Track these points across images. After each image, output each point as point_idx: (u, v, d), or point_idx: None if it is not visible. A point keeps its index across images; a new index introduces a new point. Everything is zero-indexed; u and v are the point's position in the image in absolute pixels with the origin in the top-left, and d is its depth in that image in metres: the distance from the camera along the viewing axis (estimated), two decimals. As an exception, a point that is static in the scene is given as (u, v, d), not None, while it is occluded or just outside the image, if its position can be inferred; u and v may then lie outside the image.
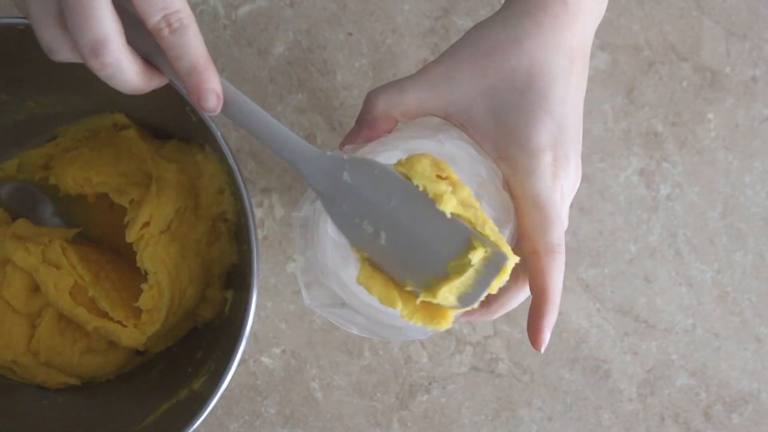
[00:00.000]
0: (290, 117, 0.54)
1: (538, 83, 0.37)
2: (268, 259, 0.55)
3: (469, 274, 0.35)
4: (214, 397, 0.42)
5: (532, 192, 0.37)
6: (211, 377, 0.44)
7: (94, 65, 0.33)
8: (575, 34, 0.38)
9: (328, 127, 0.54)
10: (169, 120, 0.49)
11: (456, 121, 0.39)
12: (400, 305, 0.37)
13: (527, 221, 0.38)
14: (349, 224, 0.37)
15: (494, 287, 0.35)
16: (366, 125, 0.40)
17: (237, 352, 0.42)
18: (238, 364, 0.55)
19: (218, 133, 0.41)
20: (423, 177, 0.36)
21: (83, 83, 0.47)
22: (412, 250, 0.36)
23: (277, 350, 0.55)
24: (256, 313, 0.55)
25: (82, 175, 0.49)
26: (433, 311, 0.37)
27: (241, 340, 0.42)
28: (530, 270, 0.38)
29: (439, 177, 0.37)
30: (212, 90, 0.34)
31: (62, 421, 0.50)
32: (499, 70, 0.37)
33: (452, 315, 0.37)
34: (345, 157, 0.37)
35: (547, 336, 0.37)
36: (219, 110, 0.35)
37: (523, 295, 0.40)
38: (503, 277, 0.35)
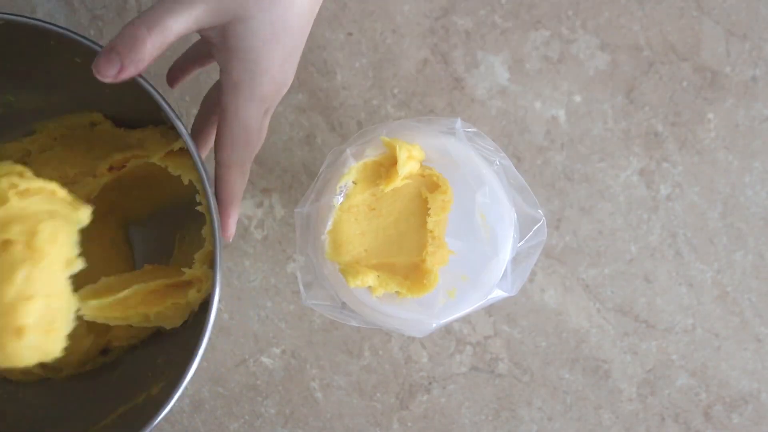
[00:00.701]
0: (290, 117, 0.54)
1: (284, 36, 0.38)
2: (268, 259, 0.55)
3: None
4: (168, 403, 0.42)
5: (244, 113, 0.39)
6: (169, 383, 0.44)
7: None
8: None
9: (328, 127, 0.54)
10: (145, 122, 0.49)
11: (202, 34, 0.39)
12: (394, 286, 0.42)
13: (230, 136, 0.40)
14: None
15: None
16: (132, 64, 0.38)
17: (194, 360, 0.42)
18: (238, 365, 0.55)
19: (189, 140, 0.41)
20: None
21: (63, 81, 0.47)
22: None
23: (277, 350, 0.55)
24: (256, 313, 0.55)
25: (57, 173, 0.49)
26: (420, 279, 0.42)
27: (199, 348, 0.42)
28: (220, 177, 0.42)
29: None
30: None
31: (20, 417, 0.50)
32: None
33: (436, 274, 0.42)
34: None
35: (233, 228, 0.43)
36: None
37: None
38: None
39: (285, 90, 0.41)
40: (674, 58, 0.54)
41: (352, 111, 0.54)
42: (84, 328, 0.50)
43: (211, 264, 0.43)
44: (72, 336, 0.50)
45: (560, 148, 0.54)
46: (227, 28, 0.38)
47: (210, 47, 0.39)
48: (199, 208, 0.43)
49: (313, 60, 0.54)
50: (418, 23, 0.54)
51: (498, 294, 0.44)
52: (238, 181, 0.42)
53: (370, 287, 0.43)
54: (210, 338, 0.42)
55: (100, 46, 0.40)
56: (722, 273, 0.54)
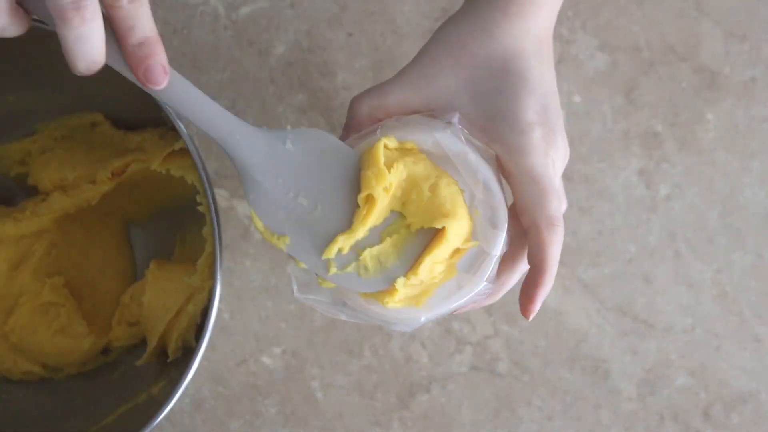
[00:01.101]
0: (291, 117, 0.54)
1: (514, 65, 0.38)
2: (269, 259, 0.55)
3: (405, 235, 0.38)
4: (169, 403, 0.42)
5: (526, 168, 0.38)
6: (169, 383, 0.44)
7: None
8: (540, 21, 0.39)
9: (329, 127, 0.54)
10: (145, 123, 0.49)
11: (440, 115, 0.40)
12: (381, 297, 0.39)
13: (525, 197, 0.39)
14: (277, 203, 0.37)
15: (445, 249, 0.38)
16: (353, 131, 0.41)
17: (194, 360, 0.42)
18: (239, 364, 0.55)
19: (189, 141, 0.41)
20: (373, 160, 0.38)
21: (64, 81, 0.47)
22: (346, 221, 0.37)
23: (278, 350, 0.55)
24: (257, 313, 0.55)
25: (57, 175, 0.49)
26: (416, 293, 0.40)
27: (199, 348, 0.42)
28: (530, 243, 0.39)
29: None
30: (161, 63, 0.34)
31: (21, 416, 0.50)
32: (474, 58, 0.39)
33: (431, 294, 0.40)
34: (289, 127, 0.38)
35: (537, 306, 0.39)
36: (165, 85, 0.35)
37: (520, 271, 0.41)
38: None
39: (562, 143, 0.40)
40: (673, 58, 0.54)
41: (352, 111, 0.54)
42: (84, 327, 0.50)
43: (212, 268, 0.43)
44: (73, 335, 0.50)
45: (560, 149, 0.54)
46: (472, 97, 0.39)
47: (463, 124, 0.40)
48: (200, 208, 0.43)
49: (314, 60, 0.54)
50: (418, 24, 0.54)
51: (487, 288, 0.44)
52: (555, 243, 0.39)
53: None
54: (210, 338, 0.42)
55: None
56: (721, 273, 0.54)
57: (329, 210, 0.37)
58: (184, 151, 0.46)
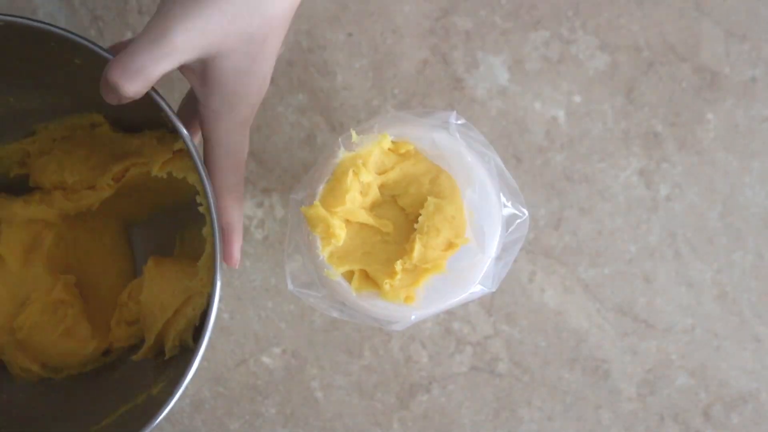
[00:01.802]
0: (291, 117, 0.54)
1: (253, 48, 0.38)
2: (268, 260, 0.55)
3: None
4: (169, 403, 0.42)
5: (226, 140, 0.40)
6: (169, 383, 0.44)
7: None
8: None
9: (329, 127, 0.54)
10: (144, 124, 0.49)
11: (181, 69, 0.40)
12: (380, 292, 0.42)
13: (216, 164, 0.41)
14: None
15: None
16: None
17: (194, 360, 0.42)
18: (239, 364, 0.55)
19: (189, 142, 0.41)
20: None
21: (63, 82, 0.47)
22: None
23: (278, 350, 0.55)
24: (257, 313, 0.55)
25: (57, 178, 0.49)
26: (409, 281, 0.42)
27: (199, 348, 0.42)
28: (219, 205, 0.42)
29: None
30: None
31: (19, 417, 0.50)
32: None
33: (420, 287, 0.42)
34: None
35: (238, 255, 0.43)
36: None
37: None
38: None
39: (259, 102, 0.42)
40: (674, 58, 0.54)
41: (352, 111, 0.54)
42: (89, 330, 0.50)
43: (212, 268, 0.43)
44: (78, 338, 0.50)
45: (560, 149, 0.54)
46: (207, 62, 0.38)
47: (185, 75, 0.39)
48: (200, 209, 0.43)
49: (314, 60, 0.54)
50: (418, 24, 0.54)
51: (479, 289, 0.44)
52: (234, 207, 0.42)
53: (350, 284, 0.43)
54: (210, 338, 0.42)
55: (100, 47, 0.40)
56: (722, 273, 0.54)
57: None
58: (184, 153, 0.46)
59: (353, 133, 0.43)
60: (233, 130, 0.40)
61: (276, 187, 0.55)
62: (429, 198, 0.42)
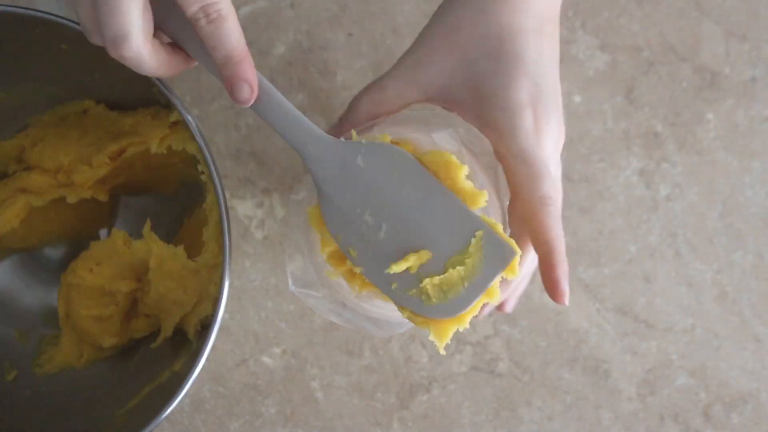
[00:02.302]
0: (290, 117, 0.54)
1: (509, 45, 0.37)
2: (268, 260, 0.55)
3: (471, 267, 0.35)
4: (192, 374, 0.42)
5: (517, 149, 0.37)
6: (191, 357, 0.44)
7: (114, 56, 0.34)
8: None
9: (329, 127, 0.54)
10: (137, 103, 0.49)
11: (439, 102, 0.40)
12: (407, 314, 0.38)
13: (517, 179, 0.38)
14: (345, 217, 0.37)
15: (497, 283, 0.36)
16: (350, 126, 0.40)
17: (213, 329, 0.41)
18: (239, 364, 0.55)
19: (185, 111, 0.41)
20: (447, 171, 0.37)
21: (52, 71, 0.46)
22: (411, 243, 0.36)
23: (278, 350, 0.55)
24: (257, 313, 0.55)
25: (53, 163, 0.49)
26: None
27: (216, 316, 0.41)
28: (529, 227, 0.38)
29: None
30: (246, 81, 0.35)
31: (44, 411, 0.50)
32: (469, 40, 0.38)
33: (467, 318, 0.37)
34: (363, 141, 0.37)
35: (565, 287, 0.37)
36: (252, 102, 0.35)
37: (528, 269, 0.40)
38: (511, 272, 0.36)
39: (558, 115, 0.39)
40: (674, 58, 0.54)
41: (352, 111, 0.54)
42: (117, 327, 0.51)
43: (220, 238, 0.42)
44: (108, 331, 0.51)
45: (560, 149, 0.54)
46: (464, 83, 0.38)
47: (456, 110, 0.39)
48: (202, 177, 0.43)
49: (314, 60, 0.54)
50: (418, 24, 0.54)
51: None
52: (553, 222, 0.38)
53: (350, 284, 0.43)
54: (225, 308, 0.42)
55: None
56: (722, 273, 0.54)
57: (393, 230, 0.37)
58: (180, 125, 0.46)
59: (353, 133, 0.43)
60: (518, 137, 0.37)
61: (276, 187, 0.55)
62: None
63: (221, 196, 0.41)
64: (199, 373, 0.42)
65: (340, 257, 0.43)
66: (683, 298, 0.54)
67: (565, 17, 0.54)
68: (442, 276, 0.36)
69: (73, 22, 0.40)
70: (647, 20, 0.54)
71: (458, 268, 0.36)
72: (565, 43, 0.54)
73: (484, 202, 0.37)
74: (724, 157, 0.54)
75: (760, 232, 0.54)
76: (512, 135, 0.37)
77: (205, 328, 0.47)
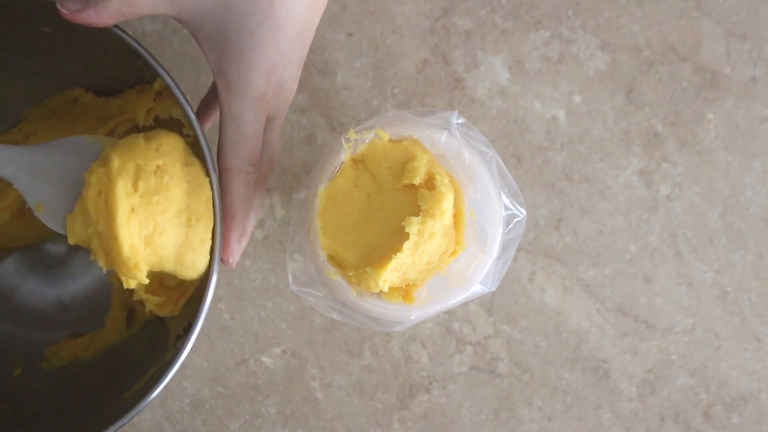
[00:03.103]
0: (291, 117, 0.54)
1: (276, 12, 0.37)
2: (269, 259, 0.55)
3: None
4: (189, 340, 0.41)
5: (236, 111, 0.39)
6: (187, 329, 0.44)
7: None
8: None
9: (329, 127, 0.54)
10: (125, 85, 0.49)
11: (186, 26, 0.39)
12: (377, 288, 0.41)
13: (226, 138, 0.40)
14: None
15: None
16: (94, 16, 0.38)
17: (207, 293, 0.41)
18: (239, 364, 0.55)
19: (168, 79, 0.41)
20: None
21: (39, 64, 0.46)
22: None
23: (278, 350, 0.55)
24: (257, 313, 0.55)
25: None
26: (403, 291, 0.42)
27: (211, 276, 0.41)
28: (221, 185, 0.40)
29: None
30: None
31: (53, 402, 0.50)
32: None
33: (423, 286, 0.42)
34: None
35: (234, 249, 0.41)
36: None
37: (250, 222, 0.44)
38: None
39: (289, 97, 0.40)
40: (674, 58, 0.54)
41: (352, 111, 0.54)
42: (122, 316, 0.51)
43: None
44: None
45: (560, 148, 0.54)
46: (220, 23, 0.37)
47: (200, 44, 0.39)
48: (187, 140, 0.43)
49: (314, 60, 0.54)
50: (418, 23, 0.54)
51: (478, 289, 0.44)
52: (240, 189, 0.40)
53: (350, 284, 0.43)
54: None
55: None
56: (722, 273, 0.54)
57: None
58: (166, 93, 0.45)
59: (352, 131, 0.43)
60: (244, 102, 0.39)
61: (276, 187, 0.55)
62: (413, 218, 0.42)
63: (209, 159, 0.40)
64: (191, 357, 0.42)
65: (340, 257, 0.43)
66: (683, 298, 0.54)
67: (565, 17, 0.54)
68: None
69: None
70: (647, 20, 0.54)
71: None
72: (566, 43, 0.54)
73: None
74: (724, 157, 0.54)
75: (760, 232, 0.54)
76: (237, 96, 0.39)
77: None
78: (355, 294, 0.43)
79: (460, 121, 0.44)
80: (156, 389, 0.42)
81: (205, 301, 0.41)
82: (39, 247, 0.55)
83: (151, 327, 0.51)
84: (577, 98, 0.54)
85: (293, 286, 0.45)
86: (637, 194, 0.54)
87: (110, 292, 0.53)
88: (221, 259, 0.41)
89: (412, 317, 0.44)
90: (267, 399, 0.55)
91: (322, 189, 0.43)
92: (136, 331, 0.53)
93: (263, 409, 0.55)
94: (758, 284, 0.54)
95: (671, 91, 0.54)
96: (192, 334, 0.41)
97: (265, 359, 0.55)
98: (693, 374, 0.55)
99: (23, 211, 0.50)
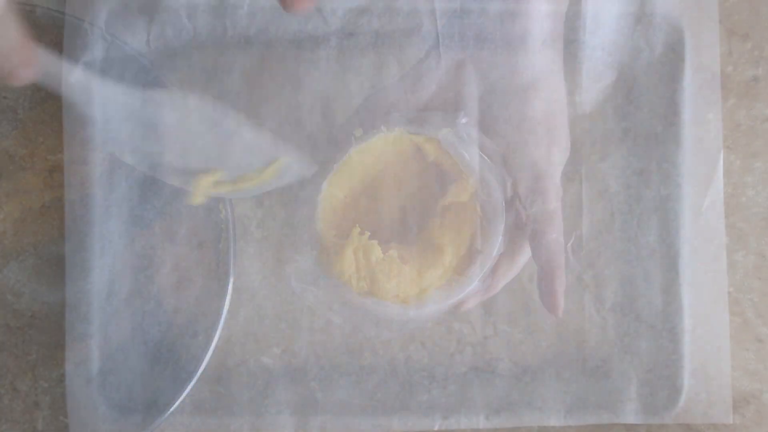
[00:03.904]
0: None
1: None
2: (268, 259, 0.55)
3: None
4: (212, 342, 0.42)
5: (529, 161, 0.39)
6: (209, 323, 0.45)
7: None
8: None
9: (329, 127, 0.54)
10: None
11: (444, 107, 0.40)
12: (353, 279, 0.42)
13: (525, 189, 0.39)
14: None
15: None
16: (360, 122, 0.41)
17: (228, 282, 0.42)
18: (239, 364, 0.55)
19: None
20: None
21: None
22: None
23: (278, 350, 0.55)
24: (257, 313, 0.55)
25: (47, 162, 0.49)
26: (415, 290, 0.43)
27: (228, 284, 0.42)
28: (531, 237, 0.39)
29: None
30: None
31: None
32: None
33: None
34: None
35: (561, 300, 0.39)
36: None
37: (518, 266, 0.42)
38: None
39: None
40: (674, 58, 0.54)
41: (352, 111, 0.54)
42: None
43: None
44: None
45: (560, 149, 0.54)
46: None
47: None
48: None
49: (313, 60, 0.54)
50: (418, 24, 0.54)
51: (481, 285, 0.44)
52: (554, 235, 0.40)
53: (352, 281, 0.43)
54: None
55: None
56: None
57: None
58: None
59: (358, 128, 0.43)
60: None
61: (276, 187, 0.55)
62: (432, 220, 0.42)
63: None
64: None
65: (340, 257, 0.44)
66: (684, 298, 0.54)
67: (565, 17, 0.53)
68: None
69: None
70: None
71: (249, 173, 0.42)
72: (566, 42, 0.53)
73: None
74: (725, 157, 0.54)
75: (762, 233, 0.54)
76: (525, 146, 0.38)
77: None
78: (356, 293, 0.43)
79: (464, 120, 0.44)
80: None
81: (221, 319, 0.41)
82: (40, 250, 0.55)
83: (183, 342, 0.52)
84: (577, 98, 0.54)
85: (294, 285, 0.46)
86: (637, 194, 0.54)
87: None
88: (552, 311, 0.41)
89: (412, 317, 0.44)
90: (267, 399, 0.55)
91: (324, 186, 0.43)
92: (170, 345, 0.53)
93: (263, 409, 0.55)
94: (760, 285, 0.54)
95: (671, 91, 0.54)
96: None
97: (265, 359, 0.55)
98: (693, 374, 0.54)
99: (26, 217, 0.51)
